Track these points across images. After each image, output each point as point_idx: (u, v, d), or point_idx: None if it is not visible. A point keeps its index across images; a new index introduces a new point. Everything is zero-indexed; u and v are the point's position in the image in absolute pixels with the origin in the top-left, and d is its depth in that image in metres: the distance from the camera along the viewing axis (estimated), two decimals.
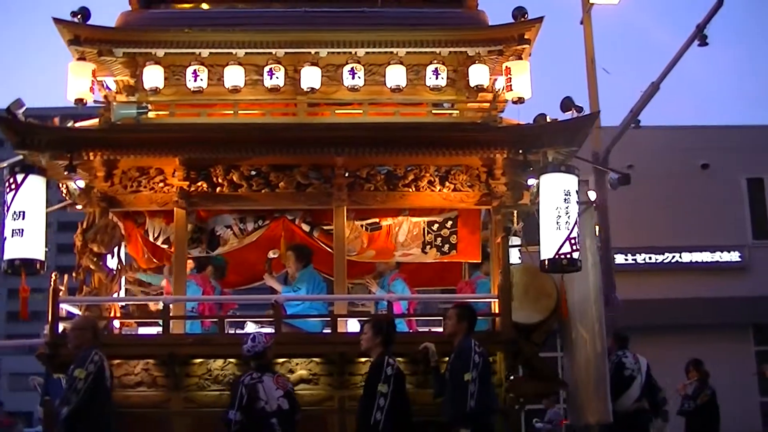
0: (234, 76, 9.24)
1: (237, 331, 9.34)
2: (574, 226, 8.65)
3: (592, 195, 10.88)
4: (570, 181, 8.75)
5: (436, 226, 9.51)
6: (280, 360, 8.66)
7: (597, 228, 9.88)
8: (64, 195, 9.91)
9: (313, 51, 9.28)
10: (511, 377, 10.07)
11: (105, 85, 9.94)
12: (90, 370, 7.40)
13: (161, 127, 9.16)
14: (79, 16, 9.22)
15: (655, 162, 22.35)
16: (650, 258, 23.18)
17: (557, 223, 8.65)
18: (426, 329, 9.68)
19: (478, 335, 8.89)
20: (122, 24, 9.66)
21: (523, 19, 9.28)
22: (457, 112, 9.50)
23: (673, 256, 23.24)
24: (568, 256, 8.63)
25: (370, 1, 10.40)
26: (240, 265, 10.34)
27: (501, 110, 9.46)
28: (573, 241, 8.64)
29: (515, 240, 11.03)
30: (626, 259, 22.57)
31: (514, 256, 10.70)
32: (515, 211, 10.23)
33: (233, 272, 10.33)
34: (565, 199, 8.70)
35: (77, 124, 9.32)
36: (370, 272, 10.11)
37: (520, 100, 9.37)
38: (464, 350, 7.51)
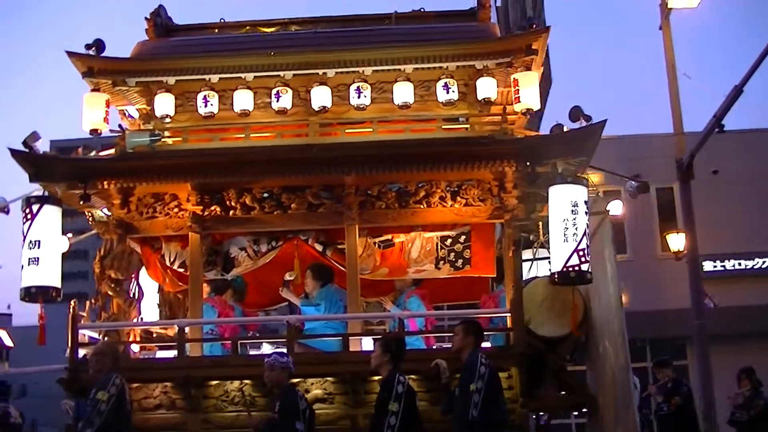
0: (243, 99, 9.35)
1: (253, 353, 9.45)
2: (582, 237, 8.57)
3: (616, 205, 10.75)
4: (578, 193, 8.67)
5: (449, 241, 9.47)
6: (296, 380, 8.72)
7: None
8: (90, 223, 10.13)
9: (320, 72, 9.36)
10: (537, 391, 10.08)
11: (127, 114, 10.18)
12: (112, 392, 7.54)
13: (172, 154, 9.30)
14: (93, 49, 9.44)
15: (741, 166, 22.04)
16: (739, 264, 22.82)
17: (565, 235, 8.59)
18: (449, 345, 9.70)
19: (493, 350, 8.94)
20: (137, 53, 9.88)
21: (528, 30, 9.28)
22: (468, 126, 9.46)
23: (764, 261, 22.86)
24: (577, 268, 8.55)
25: (385, 20, 10.54)
26: (262, 286, 10.47)
27: (512, 123, 9.41)
28: (581, 253, 8.56)
29: (543, 252, 10.97)
30: (715, 266, 22.26)
31: (544, 269, 10.63)
32: (540, 224, 10.17)
33: (256, 294, 10.44)
34: (573, 211, 8.62)
35: (101, 154, 9.57)
36: (392, 290, 10.14)
37: (528, 112, 9.34)
38: (471, 363, 7.53)
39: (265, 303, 10.48)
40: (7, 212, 9.16)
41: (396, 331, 8.77)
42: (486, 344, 9.42)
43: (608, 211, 9.58)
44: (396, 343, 7.91)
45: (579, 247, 8.54)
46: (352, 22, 10.53)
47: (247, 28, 10.63)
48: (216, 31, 10.68)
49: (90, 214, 10.01)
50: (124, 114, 10.22)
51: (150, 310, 10.50)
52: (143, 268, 9.86)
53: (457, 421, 7.60)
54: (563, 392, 10.06)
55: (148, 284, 10.34)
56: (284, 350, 8.49)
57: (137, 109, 9.95)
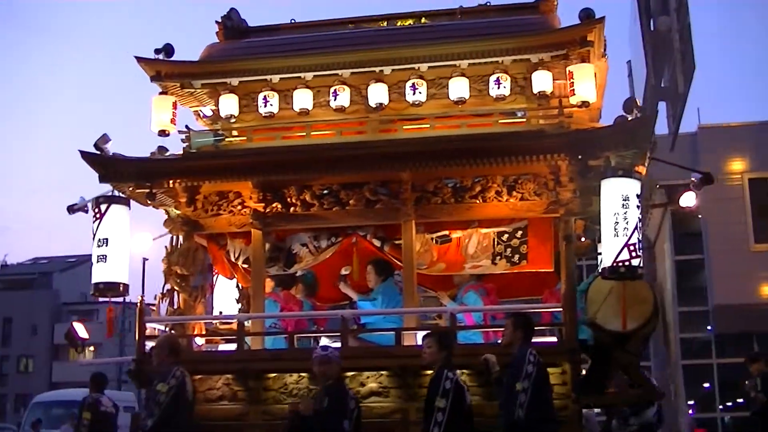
0: (303, 98, 9.60)
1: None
2: (633, 232, 8.41)
3: (689, 197, 10.46)
4: (629, 186, 8.47)
5: (506, 236, 9.43)
6: (350, 373, 8.89)
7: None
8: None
9: (377, 69, 9.50)
10: (603, 386, 9.95)
11: (202, 114, 10.56)
12: (171, 384, 7.89)
13: (235, 153, 9.62)
14: (162, 53, 9.84)
15: None
16: None
17: (615, 229, 8.41)
18: None
19: (547, 347, 8.87)
20: (205, 56, 10.23)
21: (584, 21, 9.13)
22: (525, 120, 9.41)
23: None
24: (627, 263, 8.39)
25: (450, 15, 10.58)
26: (333, 281, 10.63)
27: (569, 115, 9.31)
28: (632, 248, 8.39)
29: None
30: None
31: None
32: None
33: (327, 289, 10.62)
34: (624, 205, 8.43)
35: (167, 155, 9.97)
36: (461, 283, 10.15)
37: (584, 104, 9.21)
38: (518, 360, 7.50)
39: (336, 298, 10.63)
40: (86, 211, 9.63)
41: (446, 326, 8.83)
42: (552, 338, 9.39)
43: (667, 203, 9.36)
44: (448, 339, 7.98)
45: (630, 242, 8.36)
46: (419, 18, 10.59)
47: (316, 27, 10.83)
48: (286, 31, 10.90)
49: (166, 212, 10.42)
50: (199, 115, 10.61)
51: (229, 304, 10.88)
52: (212, 263, 10.21)
53: (502, 417, 7.60)
54: (632, 388, 9.93)
55: (227, 280, 10.74)
56: (330, 344, 8.64)
57: (214, 110, 10.32)
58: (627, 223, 8.42)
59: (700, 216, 27.51)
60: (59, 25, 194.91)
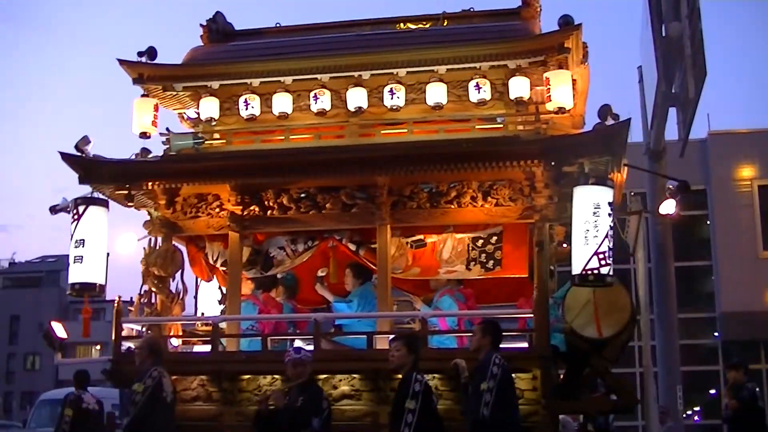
0: (282, 102, 9.65)
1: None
2: (603, 240, 8.42)
3: (669, 204, 10.48)
4: (601, 194, 8.49)
5: (481, 242, 9.47)
6: (323, 376, 8.94)
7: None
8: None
9: (356, 74, 9.56)
10: (581, 393, 10.00)
11: (186, 117, 10.65)
12: (147, 384, 8.00)
13: (214, 156, 9.69)
14: (145, 56, 9.92)
15: None
16: None
17: (586, 237, 8.44)
18: None
19: (518, 352, 8.91)
20: (188, 59, 10.29)
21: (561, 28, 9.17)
22: (502, 126, 9.44)
23: None
24: (596, 271, 8.41)
25: (434, 20, 10.62)
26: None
27: (546, 122, 9.35)
28: (601, 256, 8.40)
29: None
30: None
31: None
32: None
33: (309, 291, 10.66)
34: (595, 213, 8.44)
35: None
36: (438, 287, 10.18)
37: (561, 110, 9.24)
38: (484, 363, 7.57)
39: (317, 300, 10.67)
40: (69, 212, 9.70)
41: (414, 330, 8.88)
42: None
43: (641, 210, 9.38)
44: (417, 342, 8.04)
45: (599, 250, 8.37)
46: (402, 23, 10.63)
47: (300, 31, 10.89)
48: (270, 35, 10.97)
49: (149, 214, 10.49)
50: (183, 117, 10.69)
51: (212, 305, 10.94)
52: (186, 266, 10.27)
53: (469, 419, 7.66)
54: (609, 395, 9.97)
55: (212, 282, 10.80)
56: (303, 347, 8.68)
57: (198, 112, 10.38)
58: (597, 231, 8.43)
59: (708, 222, 27.45)
60: (53, 22, 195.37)
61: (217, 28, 10.83)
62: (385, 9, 13.21)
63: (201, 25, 10.83)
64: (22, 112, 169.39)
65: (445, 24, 10.50)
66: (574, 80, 10.16)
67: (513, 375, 8.31)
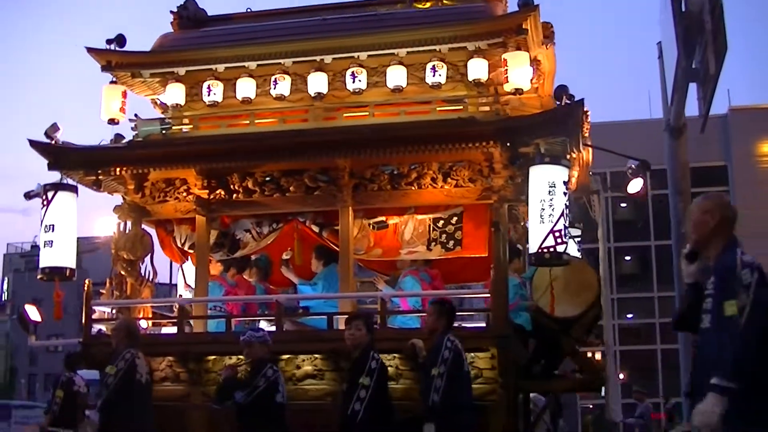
0: (246, 87, 9.79)
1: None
2: (559, 218, 8.50)
3: (637, 183, 10.52)
4: (556, 173, 8.58)
5: (441, 222, 9.56)
6: (286, 356, 9.10)
7: None
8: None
9: (318, 58, 9.67)
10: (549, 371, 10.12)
11: (159, 102, 10.79)
12: (120, 366, 8.16)
13: (180, 141, 9.84)
14: (114, 43, 10.08)
15: None
16: None
17: (541, 216, 8.53)
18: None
19: (475, 332, 9.02)
20: (156, 46, 10.44)
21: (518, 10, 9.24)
22: (461, 107, 9.52)
23: None
24: (552, 249, 8.49)
25: (402, 3, 10.70)
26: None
27: (506, 103, 9.42)
28: (557, 234, 8.49)
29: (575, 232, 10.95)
30: None
31: (573, 249, 10.58)
32: None
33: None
34: (550, 192, 8.55)
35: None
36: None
37: (518, 92, 9.31)
38: (436, 346, 7.64)
39: (291, 282, 10.82)
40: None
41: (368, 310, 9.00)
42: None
43: (598, 190, 9.46)
44: (371, 322, 8.15)
45: (555, 228, 8.46)
46: (370, 6, 10.72)
47: (269, 16, 11.00)
48: (240, 21, 11.08)
49: (123, 199, 10.65)
50: (156, 103, 10.83)
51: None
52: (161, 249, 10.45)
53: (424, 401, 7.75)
54: (577, 373, 10.05)
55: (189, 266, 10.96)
56: (263, 328, 8.82)
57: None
58: (552, 209, 8.53)
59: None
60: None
61: (188, 15, 10.95)
62: None
63: (171, 12, 10.97)
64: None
65: (416, 6, 10.57)
66: (538, 61, 10.26)
67: (472, 354, 8.49)
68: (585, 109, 10.23)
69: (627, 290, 43.85)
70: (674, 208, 11.54)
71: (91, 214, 9.60)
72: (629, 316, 45.52)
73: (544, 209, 8.53)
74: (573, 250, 10.56)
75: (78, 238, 9.67)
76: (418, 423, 7.69)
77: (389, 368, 8.75)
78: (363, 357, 7.70)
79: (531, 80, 10.13)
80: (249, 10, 11.26)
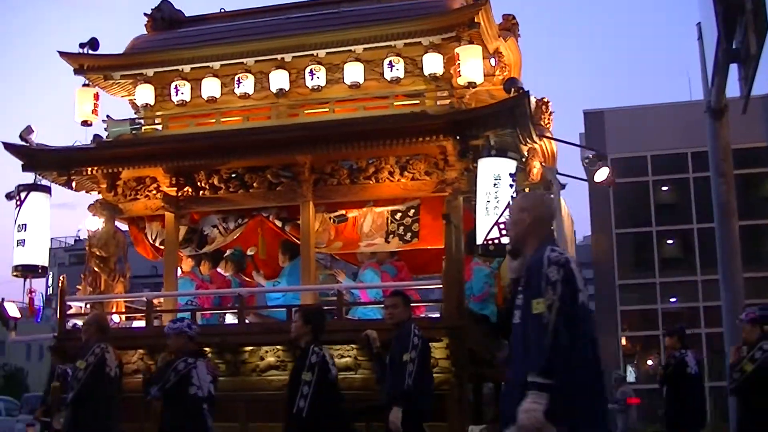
0: (211, 87, 10.06)
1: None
2: (504, 211, 8.63)
3: (603, 172, 10.61)
4: (502, 165, 8.74)
5: (399, 215, 9.74)
6: (249, 348, 9.37)
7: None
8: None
9: (279, 57, 9.90)
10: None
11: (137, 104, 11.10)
12: (90, 361, 8.39)
13: (148, 141, 10.15)
14: (87, 47, 10.40)
15: None
16: None
17: (486, 208, 8.69)
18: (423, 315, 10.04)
19: (430, 321, 9.18)
20: (129, 48, 10.76)
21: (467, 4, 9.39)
22: (418, 102, 9.68)
23: None
24: (496, 241, 8.64)
25: (360, 1, 10.85)
26: (270, 259, 11.04)
27: (461, 96, 9.57)
28: (502, 227, 8.62)
29: None
30: None
31: None
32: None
33: (263, 266, 11.04)
34: (495, 184, 8.70)
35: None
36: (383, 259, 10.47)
37: (471, 85, 9.44)
38: (404, 333, 7.66)
39: (268, 274, 11.08)
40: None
41: (317, 303, 9.20)
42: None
43: (550, 181, 9.56)
44: (316, 315, 8.31)
45: (499, 220, 8.62)
46: (332, 3, 10.89)
47: (243, 16, 11.24)
48: (214, 21, 11.35)
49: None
50: (134, 103, 11.13)
51: None
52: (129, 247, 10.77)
53: (389, 390, 7.84)
54: None
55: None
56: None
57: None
58: (498, 201, 8.68)
59: None
60: None
61: (162, 17, 11.24)
62: None
63: (145, 14, 11.26)
64: None
65: (374, 1, 10.72)
66: (501, 53, 10.38)
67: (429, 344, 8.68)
68: (545, 101, 10.40)
69: (670, 274, 43.48)
70: (716, 191, 11.53)
71: None
72: (672, 300, 45.14)
73: (489, 201, 8.69)
74: None
75: None
76: (376, 411, 7.89)
77: (348, 359, 9.01)
78: (304, 352, 7.67)
79: (494, 72, 10.32)
80: (222, 10, 11.52)
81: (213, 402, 8.04)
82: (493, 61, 10.27)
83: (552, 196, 9.63)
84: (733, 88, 10.00)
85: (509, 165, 8.77)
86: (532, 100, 10.40)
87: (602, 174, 10.49)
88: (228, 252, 10.83)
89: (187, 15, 11.66)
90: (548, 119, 10.39)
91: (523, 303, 4.26)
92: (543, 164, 9.66)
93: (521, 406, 4.06)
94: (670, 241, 48.18)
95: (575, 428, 4.11)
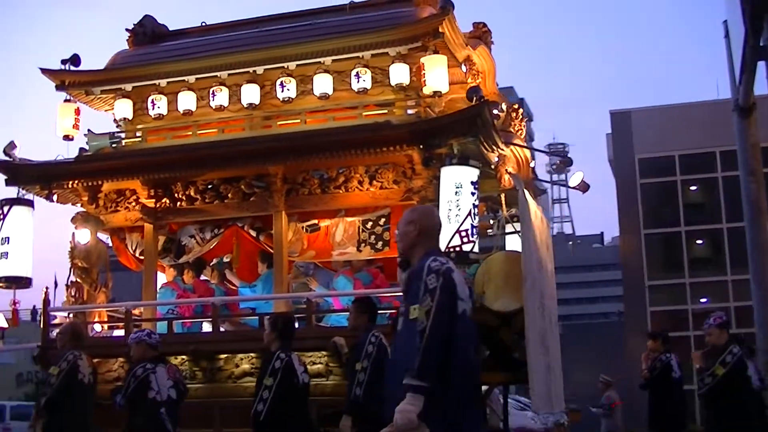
0: (186, 100, 10.31)
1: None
2: (465, 218, 8.76)
3: (577, 177, 10.70)
4: (464, 174, 8.86)
5: (370, 224, 9.90)
6: (224, 355, 9.59)
7: None
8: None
9: (251, 70, 10.11)
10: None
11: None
12: (63, 367, 8.67)
13: (127, 154, 10.43)
14: (69, 63, 10.68)
15: None
16: None
17: (449, 216, 8.82)
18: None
19: (390, 327, 9.31)
20: (110, 64, 11.02)
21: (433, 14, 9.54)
22: (386, 112, 9.84)
23: None
24: (458, 249, 8.77)
25: (339, 11, 11.03)
26: (249, 267, 11.26)
27: (427, 105, 9.72)
28: (463, 234, 8.76)
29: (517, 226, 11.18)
30: None
31: (511, 244, 10.79)
32: (503, 199, 10.38)
33: (243, 274, 11.25)
34: (457, 192, 8.83)
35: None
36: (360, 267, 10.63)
37: (436, 94, 9.59)
38: (361, 341, 7.80)
39: (253, 281, 11.27)
40: None
41: (285, 311, 9.39)
42: None
43: (536, 186, 9.70)
44: (283, 322, 8.49)
45: (461, 228, 8.75)
46: (310, 15, 11.08)
47: (222, 29, 11.47)
48: (195, 35, 11.59)
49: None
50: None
51: None
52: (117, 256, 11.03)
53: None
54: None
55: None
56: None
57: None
58: (459, 209, 8.81)
59: None
60: None
61: (144, 31, 11.49)
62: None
63: (127, 29, 11.51)
64: None
65: (350, 12, 10.88)
66: (472, 61, 10.52)
67: None
68: (516, 107, 10.53)
69: (700, 274, 43.19)
70: (745, 190, 11.48)
71: None
72: (703, 300, 44.81)
73: (451, 209, 8.82)
74: (514, 244, 10.76)
75: None
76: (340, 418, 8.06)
77: (319, 366, 9.19)
78: (268, 357, 7.90)
79: (466, 80, 10.46)
80: (204, 24, 11.75)
81: (175, 405, 8.27)
82: (464, 68, 10.42)
83: (527, 198, 9.69)
84: (761, 86, 10.00)
85: (471, 173, 8.90)
86: (503, 107, 10.61)
87: (576, 179, 10.58)
88: (214, 261, 11.06)
89: (171, 29, 11.93)
90: (519, 125, 10.52)
91: (404, 310, 4.42)
92: (508, 171, 9.77)
93: (398, 406, 4.24)
94: (699, 241, 47.82)
95: (450, 430, 4.28)
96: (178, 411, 8.29)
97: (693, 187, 43.79)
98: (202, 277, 11.03)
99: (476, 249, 8.95)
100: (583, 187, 10.80)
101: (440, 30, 9.48)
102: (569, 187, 10.62)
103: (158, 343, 8.24)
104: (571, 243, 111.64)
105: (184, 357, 9.78)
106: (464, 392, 4.39)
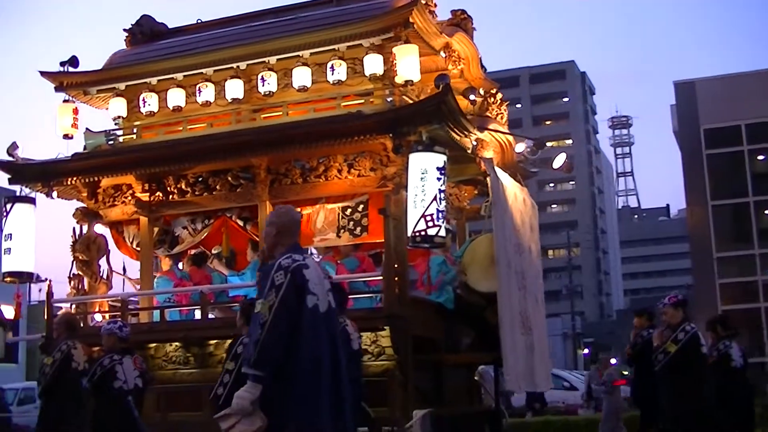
0: (175, 97, 10.69)
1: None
2: (431, 203, 9.00)
3: (560, 158, 10.85)
4: (429, 160, 9.09)
5: (349, 210, 10.19)
6: (213, 341, 9.99)
7: None
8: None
9: (234, 65, 10.45)
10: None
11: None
12: (56, 357, 9.09)
13: (118, 151, 10.87)
14: (68, 65, 11.15)
15: None
16: None
17: (414, 201, 9.06)
18: None
19: (366, 311, 9.57)
20: (106, 64, 11.45)
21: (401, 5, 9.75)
22: (363, 102, 10.08)
23: None
24: (423, 233, 9.01)
25: (325, 4, 11.29)
26: (236, 255, 11.63)
27: (402, 94, 9.94)
28: (428, 218, 9.00)
29: None
30: None
31: None
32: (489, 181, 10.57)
33: (243, 263, 11.61)
34: (422, 178, 9.07)
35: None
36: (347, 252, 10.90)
37: (408, 83, 9.80)
38: (233, 343, 7.76)
39: (237, 269, 11.54)
40: None
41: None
42: None
43: (524, 167, 9.92)
44: (250, 308, 8.78)
45: (426, 213, 8.99)
46: (298, 9, 11.35)
47: (217, 25, 11.82)
48: (190, 32, 11.94)
49: None
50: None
51: None
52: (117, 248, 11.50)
53: None
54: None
55: None
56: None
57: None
58: (425, 194, 9.07)
59: None
60: None
61: (141, 31, 11.89)
62: None
63: (124, 29, 11.94)
64: None
65: (336, 4, 11.13)
66: (452, 49, 10.70)
67: (374, 333, 9.15)
68: (493, 92, 10.72)
69: None
70: None
71: None
72: None
73: (417, 195, 9.07)
74: None
75: None
76: None
77: None
78: (233, 342, 8.16)
79: (446, 67, 10.65)
80: (199, 21, 12.12)
81: (141, 393, 8.78)
82: (443, 55, 10.60)
83: (500, 182, 9.88)
84: None
85: (437, 159, 9.12)
86: (481, 91, 10.79)
87: (559, 160, 10.72)
88: (216, 251, 11.45)
89: (170, 27, 12.32)
90: (498, 110, 10.69)
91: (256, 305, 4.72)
92: (480, 156, 9.95)
93: (236, 392, 4.57)
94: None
95: (288, 419, 4.55)
96: (143, 399, 8.83)
97: (761, 157, 42.92)
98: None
99: (442, 233, 9.19)
100: (567, 167, 10.95)
101: (410, 20, 9.67)
102: (552, 168, 10.74)
103: (128, 335, 8.69)
104: (636, 216, 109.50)
105: (178, 344, 10.23)
106: (311, 384, 4.63)
